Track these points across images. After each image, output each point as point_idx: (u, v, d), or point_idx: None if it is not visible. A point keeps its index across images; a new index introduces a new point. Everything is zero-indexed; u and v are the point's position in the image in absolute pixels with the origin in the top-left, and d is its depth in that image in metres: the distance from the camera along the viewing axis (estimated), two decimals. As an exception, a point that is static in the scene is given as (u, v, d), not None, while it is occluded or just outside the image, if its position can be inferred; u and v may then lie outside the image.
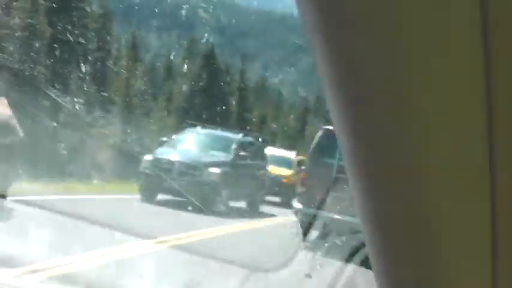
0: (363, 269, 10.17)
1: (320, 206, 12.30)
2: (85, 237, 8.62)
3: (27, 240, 7.91)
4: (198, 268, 8.25)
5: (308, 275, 8.86)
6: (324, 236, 12.91)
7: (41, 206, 11.26)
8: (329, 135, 12.72)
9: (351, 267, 9.66)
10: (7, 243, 7.52)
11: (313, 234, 13.48)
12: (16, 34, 31.05)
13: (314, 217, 12.59)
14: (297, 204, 13.26)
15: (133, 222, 11.45)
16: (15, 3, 32.42)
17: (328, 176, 12.35)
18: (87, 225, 9.64)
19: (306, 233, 13.25)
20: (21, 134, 10.59)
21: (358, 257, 10.27)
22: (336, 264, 9.96)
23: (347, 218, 12.01)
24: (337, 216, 12.14)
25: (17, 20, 32.06)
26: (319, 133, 13.17)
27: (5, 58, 29.07)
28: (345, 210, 12.19)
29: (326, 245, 11.17)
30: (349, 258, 9.95)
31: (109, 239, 9.03)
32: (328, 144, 12.74)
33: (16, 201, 11.10)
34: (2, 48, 29.84)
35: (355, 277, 9.52)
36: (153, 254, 8.97)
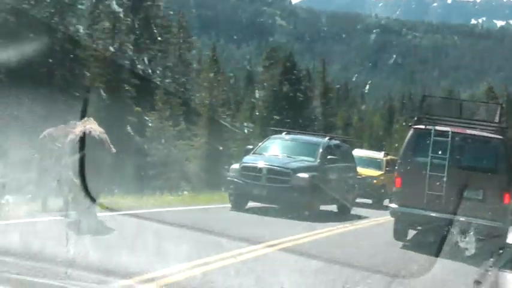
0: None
1: (416, 204, 12.26)
2: (187, 246, 8.81)
3: (134, 251, 8.11)
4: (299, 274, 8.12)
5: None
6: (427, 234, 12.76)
7: (137, 219, 11.52)
8: (420, 134, 12.66)
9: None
10: (114, 255, 7.80)
11: (411, 233, 13.35)
12: (100, 55, 31.88)
13: (411, 216, 12.45)
14: (392, 204, 13.03)
15: (227, 230, 11.48)
16: (97, 26, 33.33)
17: (422, 174, 12.23)
18: (186, 235, 9.96)
19: (404, 232, 13.12)
20: (113, 149, 10.79)
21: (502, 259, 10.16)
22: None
23: (445, 216, 11.79)
24: (433, 214, 12.01)
25: (100, 42, 32.96)
26: (410, 132, 12.98)
27: (92, 79, 29.90)
28: (441, 207, 11.95)
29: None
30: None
31: (209, 247, 9.17)
32: (420, 143, 12.65)
33: (113, 215, 11.37)
34: (89, 70, 30.68)
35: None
36: (250, 261, 8.95)
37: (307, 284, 7.80)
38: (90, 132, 10.40)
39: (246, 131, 36.06)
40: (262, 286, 7.34)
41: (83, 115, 11.37)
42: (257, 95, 45.36)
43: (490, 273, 10.00)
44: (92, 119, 10.90)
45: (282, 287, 7.28)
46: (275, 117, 43.68)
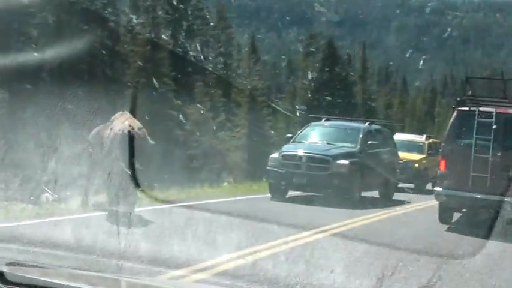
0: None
1: (462, 187, 12.25)
2: (235, 236, 9.05)
3: (183, 242, 8.34)
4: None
5: None
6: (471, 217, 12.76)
7: (182, 211, 11.70)
8: (464, 116, 12.62)
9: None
10: (164, 246, 7.99)
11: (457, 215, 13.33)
12: (140, 50, 32.18)
13: (456, 199, 12.47)
14: (437, 188, 13.05)
15: (271, 219, 11.61)
16: (136, 20, 33.63)
17: (466, 156, 12.24)
18: (232, 225, 10.15)
19: (449, 215, 13.13)
20: (151, 141, 10.95)
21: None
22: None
23: (490, 197, 11.76)
24: (479, 196, 12.00)
25: (139, 36, 33.24)
26: (454, 114, 12.93)
27: (133, 74, 30.25)
28: (487, 189, 11.85)
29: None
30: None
31: (256, 236, 9.37)
32: (464, 125, 12.63)
33: (158, 208, 11.58)
34: (129, 65, 31.03)
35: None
36: (298, 248, 9.10)
37: (357, 269, 7.89)
38: (129, 131, 10.59)
39: (298, 114, 35.98)
40: (312, 271, 7.44)
41: (133, 111, 11.60)
42: (309, 77, 44.72)
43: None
44: (126, 112, 11.08)
45: (332, 272, 7.39)
46: (316, 104, 43.53)
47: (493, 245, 10.31)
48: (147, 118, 18.09)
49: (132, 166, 10.05)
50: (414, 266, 8.39)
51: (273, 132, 35.80)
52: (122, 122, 10.68)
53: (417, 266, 8.48)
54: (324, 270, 7.52)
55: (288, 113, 35.58)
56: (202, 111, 32.17)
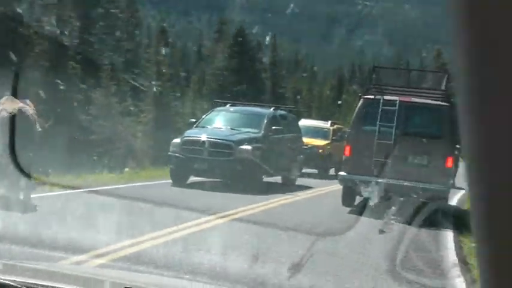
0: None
1: (365, 172, 12.75)
2: (128, 222, 8.91)
3: (76, 228, 8.14)
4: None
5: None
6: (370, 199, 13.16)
7: (75, 197, 11.42)
8: (369, 104, 13.08)
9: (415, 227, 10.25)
10: (60, 232, 7.73)
11: (359, 199, 13.71)
12: (44, 31, 31.21)
13: (360, 183, 12.88)
14: (341, 172, 13.50)
15: (168, 206, 11.48)
16: (42, 1, 32.54)
17: (370, 142, 12.71)
18: (125, 212, 9.90)
19: (352, 198, 13.50)
20: (39, 128, 10.63)
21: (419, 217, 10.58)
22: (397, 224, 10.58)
23: (391, 181, 12.27)
24: (381, 180, 12.41)
25: (44, 17, 32.21)
26: (360, 102, 13.42)
27: (36, 56, 29.31)
28: (387, 173, 12.31)
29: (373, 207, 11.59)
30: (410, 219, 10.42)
31: (149, 223, 9.23)
32: (369, 112, 13.06)
33: (48, 195, 11.25)
34: (34, 47, 30.04)
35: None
36: (192, 235, 8.98)
37: (241, 250, 7.91)
38: (24, 111, 10.29)
39: (155, 89, 35.66)
40: (203, 255, 7.44)
41: (14, 92, 11.22)
42: (163, 52, 43.59)
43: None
44: (11, 96, 10.71)
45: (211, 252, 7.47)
46: (225, 89, 43.50)
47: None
48: (48, 101, 17.46)
49: (24, 150, 9.72)
50: (297, 246, 8.48)
51: (180, 117, 35.48)
52: (13, 104, 10.31)
53: (298, 245, 8.56)
54: (202, 251, 7.60)
55: (143, 88, 34.96)
56: (107, 96, 31.49)
